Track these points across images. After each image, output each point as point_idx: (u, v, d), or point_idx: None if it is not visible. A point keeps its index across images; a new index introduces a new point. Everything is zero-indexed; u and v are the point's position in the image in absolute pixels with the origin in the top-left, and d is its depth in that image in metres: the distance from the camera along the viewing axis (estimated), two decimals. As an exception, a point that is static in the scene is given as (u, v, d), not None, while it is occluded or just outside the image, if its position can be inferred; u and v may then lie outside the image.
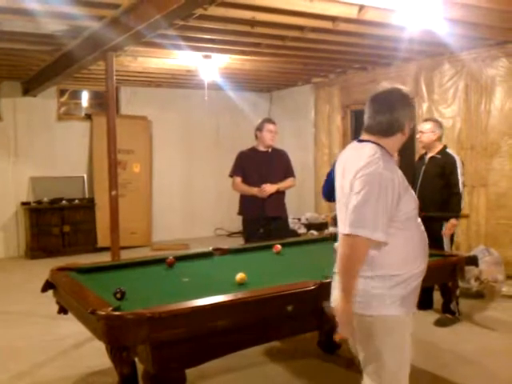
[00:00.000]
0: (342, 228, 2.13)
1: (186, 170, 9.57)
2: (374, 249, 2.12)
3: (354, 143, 2.30)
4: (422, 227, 2.31)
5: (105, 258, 5.50)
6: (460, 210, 4.70)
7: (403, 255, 2.17)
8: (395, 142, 2.21)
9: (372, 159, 2.08)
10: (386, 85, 2.21)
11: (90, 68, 6.39)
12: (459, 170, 4.68)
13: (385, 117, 2.15)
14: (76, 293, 2.80)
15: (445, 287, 4.66)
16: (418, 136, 4.89)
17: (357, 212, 2.03)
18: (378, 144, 2.17)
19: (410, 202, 2.17)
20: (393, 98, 2.17)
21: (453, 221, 4.70)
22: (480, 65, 6.26)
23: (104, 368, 3.69)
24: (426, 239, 2.32)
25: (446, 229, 4.70)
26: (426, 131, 4.81)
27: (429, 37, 5.20)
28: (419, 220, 2.28)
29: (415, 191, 4.88)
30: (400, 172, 2.17)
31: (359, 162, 2.11)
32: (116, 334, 2.25)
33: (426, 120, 4.98)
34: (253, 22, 4.79)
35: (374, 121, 2.18)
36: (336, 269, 2.21)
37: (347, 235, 2.05)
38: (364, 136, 2.24)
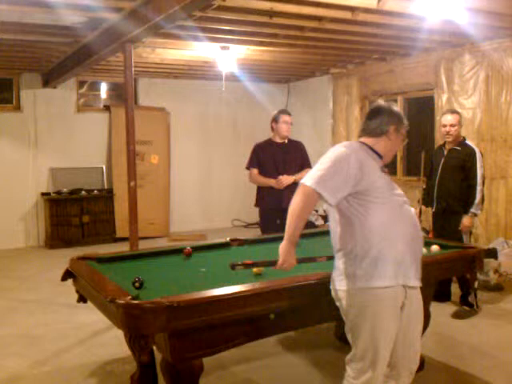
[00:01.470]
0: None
1: (204, 162, 9.60)
2: (343, 226, 2.48)
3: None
4: (408, 211, 2.56)
5: (123, 248, 5.57)
6: (476, 203, 4.62)
7: (371, 232, 2.42)
8: (381, 143, 2.60)
9: (347, 144, 2.59)
10: (379, 100, 2.72)
11: (108, 60, 6.43)
12: (478, 163, 4.63)
13: (372, 122, 2.62)
14: (95, 282, 2.83)
15: (463, 279, 4.64)
16: (445, 130, 4.78)
17: (314, 171, 2.44)
18: (364, 143, 2.61)
19: (372, 184, 2.44)
20: (381, 109, 2.64)
21: (465, 220, 4.64)
22: (501, 55, 6.16)
23: (123, 356, 3.75)
24: (412, 222, 2.55)
25: (462, 226, 4.65)
26: (455, 124, 4.74)
27: (449, 27, 5.13)
28: (400, 204, 2.53)
29: (434, 183, 4.86)
30: (369, 160, 2.49)
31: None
32: (135, 323, 2.27)
33: (452, 113, 4.85)
34: (271, 13, 4.77)
35: (365, 126, 2.66)
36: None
37: (304, 186, 2.40)
38: (361, 139, 2.66)
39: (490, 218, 6.38)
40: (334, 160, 2.43)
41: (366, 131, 2.64)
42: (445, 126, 4.77)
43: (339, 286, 2.52)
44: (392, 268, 2.42)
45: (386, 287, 2.41)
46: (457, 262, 3.39)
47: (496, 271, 5.36)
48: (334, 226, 2.57)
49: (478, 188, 4.60)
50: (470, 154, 4.67)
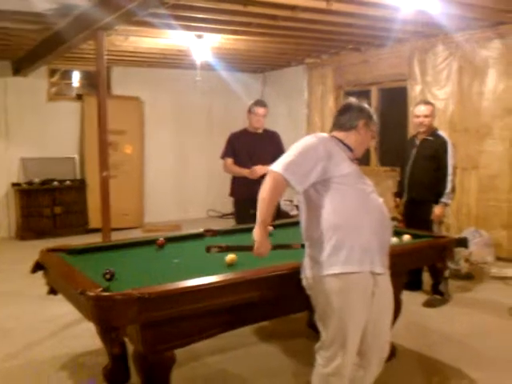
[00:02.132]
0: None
1: (179, 151, 9.54)
2: (310, 214, 2.55)
3: None
4: (376, 200, 2.60)
5: (96, 240, 5.49)
6: (447, 192, 4.67)
7: (337, 219, 2.48)
8: (351, 137, 2.67)
9: (317, 135, 2.65)
10: (351, 99, 2.77)
11: (80, 47, 6.31)
12: (450, 153, 4.67)
13: (342, 117, 2.71)
14: (66, 274, 2.79)
15: (434, 269, 4.70)
16: (418, 120, 4.81)
17: (282, 158, 2.50)
18: (335, 136, 2.68)
19: (339, 171, 2.50)
20: (351, 105, 2.73)
21: (437, 209, 4.69)
22: (473, 46, 6.23)
23: (95, 348, 3.71)
24: (380, 210, 2.59)
25: (434, 216, 4.70)
26: (429, 115, 4.78)
27: (422, 17, 5.16)
28: (367, 193, 2.58)
29: (406, 173, 4.90)
30: (337, 149, 2.57)
31: None
32: (105, 315, 2.25)
33: (426, 103, 4.89)
34: (245, 1, 4.73)
35: (336, 120, 2.74)
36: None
37: (272, 171, 2.47)
38: (333, 132, 2.73)
39: (462, 208, 6.48)
40: (303, 148, 2.51)
41: (336, 126, 2.72)
42: (418, 116, 4.80)
43: (308, 273, 2.56)
44: (358, 254, 2.45)
45: (352, 273, 2.44)
46: (427, 251, 3.43)
47: (467, 260, 5.44)
48: (303, 214, 2.62)
49: (449, 178, 4.65)
50: (442, 144, 4.71)
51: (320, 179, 2.48)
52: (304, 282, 2.61)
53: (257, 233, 2.51)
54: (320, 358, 2.56)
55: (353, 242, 2.45)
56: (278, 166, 2.46)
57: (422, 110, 4.79)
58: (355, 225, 2.48)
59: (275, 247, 2.65)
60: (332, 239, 2.46)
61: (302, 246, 2.74)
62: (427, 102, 4.98)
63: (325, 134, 2.68)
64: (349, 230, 2.47)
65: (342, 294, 2.45)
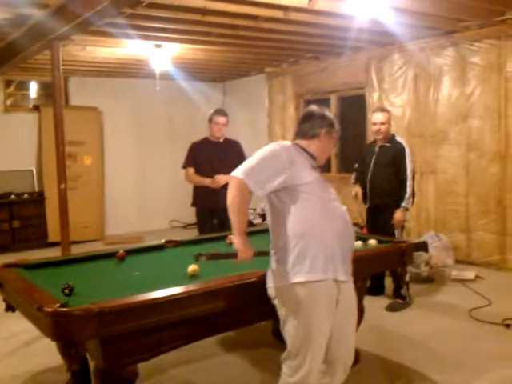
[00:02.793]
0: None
1: (139, 162, 9.43)
2: (274, 221, 2.57)
3: None
4: (338, 207, 2.64)
5: (56, 253, 5.37)
6: (407, 197, 4.74)
7: (300, 227, 2.49)
8: (313, 145, 2.69)
9: (280, 143, 2.67)
10: (313, 106, 2.78)
11: (36, 58, 6.19)
12: (408, 158, 4.76)
13: (305, 125, 2.72)
14: (22, 290, 2.71)
15: (395, 273, 4.76)
16: (375, 128, 4.88)
17: (244, 164, 2.53)
18: (297, 144, 2.70)
19: (301, 179, 2.52)
20: (313, 113, 2.74)
21: (397, 214, 4.76)
22: (428, 54, 6.39)
23: (56, 365, 3.61)
24: (342, 218, 2.62)
25: (395, 221, 4.77)
26: (385, 122, 4.85)
27: (377, 26, 5.26)
28: (329, 200, 2.61)
29: (366, 179, 4.96)
30: (299, 157, 2.59)
31: None
32: (63, 331, 2.19)
33: (382, 111, 4.96)
34: (204, 11, 4.73)
35: (298, 129, 2.75)
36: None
37: (233, 177, 2.50)
38: (296, 140, 2.75)
39: (421, 212, 6.61)
40: (265, 154, 2.53)
41: (299, 134, 2.74)
42: (375, 124, 4.88)
43: (273, 282, 2.55)
44: (322, 263, 2.46)
45: (316, 281, 2.45)
46: (388, 256, 3.48)
47: (427, 264, 5.54)
48: (268, 221, 2.65)
49: (408, 182, 4.73)
50: (400, 150, 4.79)
51: (282, 186, 2.49)
52: (269, 292, 2.60)
53: (237, 241, 2.55)
54: (286, 368, 2.55)
55: (316, 250, 2.46)
56: (238, 172, 2.48)
57: (378, 117, 4.87)
58: (318, 233, 2.49)
59: (258, 253, 2.67)
60: (296, 248, 2.46)
61: None
62: (383, 109, 5.06)
63: (288, 143, 2.70)
64: (312, 238, 2.47)
65: (306, 302, 2.45)
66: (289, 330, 2.53)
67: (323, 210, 2.55)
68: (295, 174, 2.50)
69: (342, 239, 2.56)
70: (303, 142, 2.70)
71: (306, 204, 2.51)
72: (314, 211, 2.51)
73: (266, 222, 7.65)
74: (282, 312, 2.55)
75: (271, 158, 2.51)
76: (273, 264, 2.57)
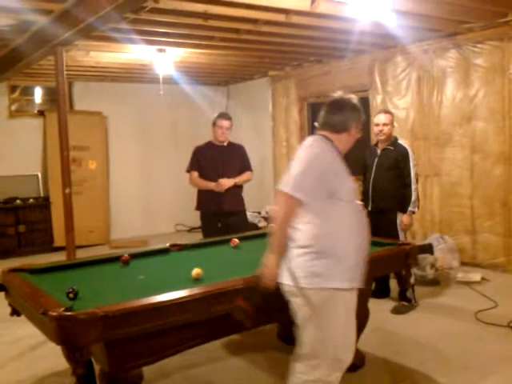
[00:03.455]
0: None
1: (144, 166, 9.46)
2: (309, 225, 2.45)
3: (308, 138, 2.69)
4: (363, 215, 2.66)
5: (61, 258, 5.40)
6: (413, 201, 4.74)
7: (337, 233, 2.46)
8: (342, 139, 2.61)
9: (315, 144, 2.56)
10: (340, 92, 2.68)
11: (41, 63, 6.22)
12: (411, 162, 4.75)
13: (336, 117, 2.59)
14: (27, 294, 2.73)
15: (400, 275, 4.75)
16: (378, 129, 4.88)
17: (289, 176, 2.46)
18: (326, 137, 2.59)
19: (342, 186, 2.50)
20: (344, 104, 2.63)
21: (405, 218, 4.76)
22: (431, 56, 6.38)
23: (61, 369, 3.63)
24: (366, 227, 2.63)
25: (403, 225, 4.77)
26: (388, 123, 4.85)
27: (379, 29, 5.25)
28: (359, 207, 2.62)
29: (369, 182, 4.96)
30: (337, 160, 2.55)
31: (302, 146, 2.60)
32: (68, 335, 2.21)
33: (385, 112, 4.96)
34: (206, 15, 4.75)
35: (327, 119, 2.61)
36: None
37: (282, 193, 2.43)
38: (318, 132, 2.65)
39: (426, 215, 6.59)
40: (307, 163, 2.46)
41: (327, 126, 2.62)
42: (378, 125, 4.88)
43: (293, 281, 2.49)
44: (351, 271, 2.47)
45: (347, 289, 2.46)
46: (392, 258, 3.48)
47: (432, 266, 5.53)
48: (300, 222, 2.52)
49: (413, 187, 4.73)
50: (403, 153, 4.78)
51: (325, 193, 2.46)
52: (286, 289, 2.55)
53: (271, 262, 2.49)
54: (302, 367, 2.54)
55: (348, 257, 2.47)
56: (286, 186, 2.43)
57: (381, 118, 4.87)
58: (352, 240, 2.49)
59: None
60: (328, 253, 2.44)
61: None
62: (386, 111, 5.06)
63: (320, 140, 2.59)
64: (346, 245, 2.47)
65: (333, 307, 2.46)
66: (309, 330, 2.51)
67: (356, 217, 2.55)
68: (337, 181, 2.48)
69: (364, 248, 2.58)
70: (332, 136, 2.59)
71: (344, 210, 2.49)
72: (349, 218, 2.50)
73: (270, 225, 7.61)
74: (302, 311, 2.51)
75: (314, 165, 2.46)
76: (295, 261, 2.50)
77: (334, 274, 2.43)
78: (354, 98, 2.66)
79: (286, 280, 2.54)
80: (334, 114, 2.60)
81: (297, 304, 2.53)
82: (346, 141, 2.63)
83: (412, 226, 4.90)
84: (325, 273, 2.43)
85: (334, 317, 2.47)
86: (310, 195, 2.41)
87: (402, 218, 4.76)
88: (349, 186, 2.53)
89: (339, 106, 2.62)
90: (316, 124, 2.69)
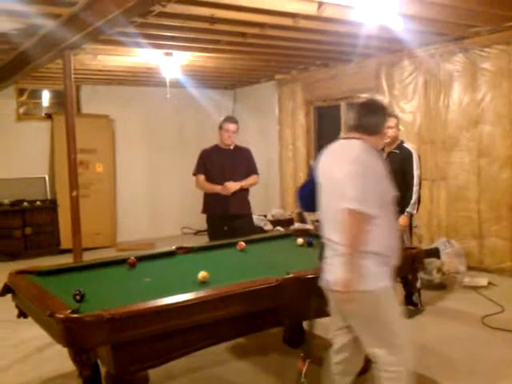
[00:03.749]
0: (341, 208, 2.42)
1: (150, 169, 9.49)
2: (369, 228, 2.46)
3: (340, 141, 2.71)
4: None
5: (68, 260, 5.40)
6: (412, 203, 4.71)
7: (387, 235, 2.53)
8: (375, 141, 2.63)
9: (362, 150, 2.52)
10: (366, 95, 2.72)
11: (48, 67, 6.26)
12: (415, 164, 4.74)
13: (370, 119, 2.60)
14: (34, 296, 2.75)
15: (406, 280, 4.73)
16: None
17: (352, 191, 2.40)
18: (365, 141, 2.58)
19: (389, 189, 2.56)
20: (376, 105, 2.68)
21: (401, 219, 4.73)
22: (438, 60, 6.37)
23: (67, 371, 3.63)
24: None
25: (399, 226, 4.74)
26: (393, 126, 4.85)
27: (386, 33, 5.26)
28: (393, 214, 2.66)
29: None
30: (382, 164, 2.58)
31: (351, 153, 2.53)
32: (74, 337, 2.22)
33: (389, 115, 4.98)
34: (212, 19, 4.77)
35: (361, 121, 2.61)
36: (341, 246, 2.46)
37: (350, 210, 2.37)
38: (350, 134, 2.64)
39: (432, 219, 6.57)
40: (364, 175, 2.44)
41: (359, 127, 2.61)
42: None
43: (356, 286, 2.46)
44: (392, 271, 2.60)
45: (390, 286, 2.59)
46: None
47: (439, 270, 5.51)
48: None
49: (414, 188, 4.71)
50: (407, 156, 4.77)
51: (380, 200, 2.49)
52: (342, 296, 2.50)
53: (350, 281, 2.42)
54: (387, 373, 2.59)
55: (393, 258, 2.58)
56: (353, 203, 2.38)
57: (389, 122, 4.86)
58: (394, 243, 2.60)
59: None
60: (384, 254, 2.51)
61: None
62: (391, 114, 5.07)
63: (365, 146, 2.54)
64: (391, 248, 2.56)
65: (393, 302, 2.60)
66: (379, 332, 2.58)
67: (394, 219, 2.66)
68: (385, 185, 2.54)
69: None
70: (367, 138, 2.58)
71: (390, 213, 2.58)
72: (392, 220, 2.61)
73: (276, 228, 7.56)
74: (368, 315, 2.56)
75: (371, 174, 2.46)
76: (360, 268, 2.48)
77: (387, 273, 2.53)
78: (382, 99, 2.71)
79: (338, 286, 2.51)
80: (367, 116, 2.61)
81: (361, 306, 2.52)
82: (377, 143, 2.66)
83: (414, 227, 4.88)
84: (382, 273, 2.51)
85: (393, 309, 2.60)
86: (372, 206, 2.41)
87: (398, 219, 4.74)
88: (390, 188, 2.58)
89: (373, 107, 2.65)
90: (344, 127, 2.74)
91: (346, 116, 2.62)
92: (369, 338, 2.62)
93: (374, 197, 2.43)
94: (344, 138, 2.72)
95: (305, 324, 3.42)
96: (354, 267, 2.41)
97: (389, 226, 2.56)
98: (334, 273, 2.53)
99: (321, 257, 2.70)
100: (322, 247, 2.73)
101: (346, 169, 2.48)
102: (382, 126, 2.63)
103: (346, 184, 2.43)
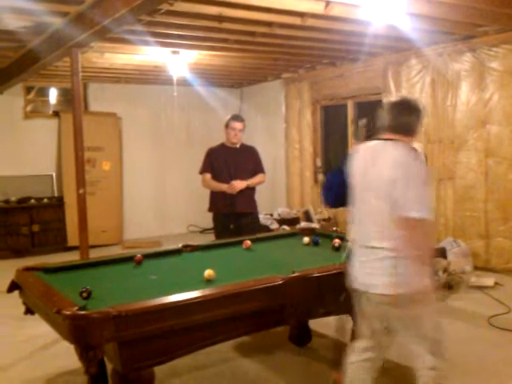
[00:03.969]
0: (399, 214, 2.37)
1: (157, 167, 9.51)
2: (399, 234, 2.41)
3: (377, 142, 2.59)
4: None
5: (75, 258, 5.45)
6: None
7: (429, 233, 2.50)
8: (409, 142, 2.55)
9: (410, 154, 2.44)
10: (398, 94, 2.67)
11: (56, 64, 6.28)
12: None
13: (406, 118, 2.52)
14: (41, 293, 2.76)
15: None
16: None
17: (418, 199, 2.35)
18: (407, 143, 2.51)
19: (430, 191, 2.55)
20: (411, 104, 2.55)
21: None
22: (446, 59, 6.35)
23: (74, 368, 3.65)
24: None
25: None
26: None
27: (394, 32, 5.24)
28: None
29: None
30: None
31: (398, 157, 2.44)
32: (81, 334, 2.23)
33: None
34: (220, 18, 4.77)
35: (397, 121, 2.52)
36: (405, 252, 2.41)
37: (423, 220, 2.34)
38: (386, 135, 2.55)
39: (439, 219, 6.55)
40: (424, 181, 2.42)
41: (396, 128, 2.54)
42: None
43: (395, 289, 2.46)
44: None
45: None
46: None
47: (445, 270, 5.49)
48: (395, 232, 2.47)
49: None
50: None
51: None
52: (387, 300, 2.50)
53: (431, 286, 2.50)
54: (429, 369, 2.62)
55: (432, 256, 2.60)
56: (424, 213, 2.36)
57: None
58: (434, 241, 2.72)
59: None
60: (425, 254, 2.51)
61: None
62: None
63: (412, 149, 2.50)
64: (432, 246, 2.65)
65: (432, 300, 2.58)
66: (423, 333, 2.58)
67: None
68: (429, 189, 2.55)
69: None
70: (404, 139, 2.53)
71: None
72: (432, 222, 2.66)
73: (282, 227, 7.53)
74: (413, 318, 2.55)
75: (427, 181, 2.45)
76: (405, 269, 2.44)
77: (429, 271, 2.51)
78: (416, 99, 2.64)
79: (394, 290, 2.48)
80: (402, 116, 2.53)
81: (409, 306, 2.51)
82: (408, 143, 2.55)
83: None
84: (425, 271, 2.48)
85: (433, 307, 2.59)
86: (428, 210, 2.40)
87: None
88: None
89: (410, 107, 2.55)
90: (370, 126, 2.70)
91: (380, 115, 2.44)
92: (411, 335, 2.62)
93: (427, 201, 2.42)
94: (381, 139, 2.59)
95: (335, 333, 3.42)
96: (426, 272, 2.44)
97: (429, 224, 2.53)
98: (376, 277, 2.50)
99: (348, 259, 2.69)
100: (349, 250, 2.70)
101: (398, 173, 2.40)
102: (417, 126, 2.55)
103: (401, 190, 2.37)
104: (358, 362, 2.73)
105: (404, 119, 2.53)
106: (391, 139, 2.52)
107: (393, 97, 2.70)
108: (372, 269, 2.52)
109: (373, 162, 2.54)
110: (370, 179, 2.53)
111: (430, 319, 2.61)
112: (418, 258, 2.41)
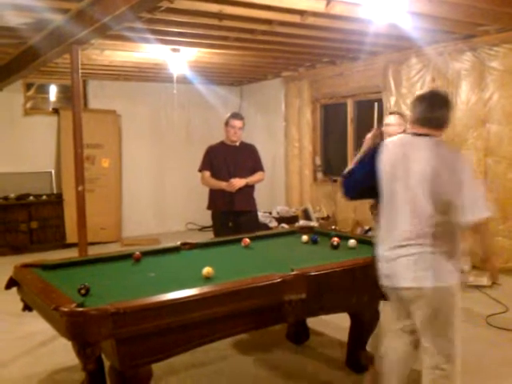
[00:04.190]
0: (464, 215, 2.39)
1: (156, 165, 9.51)
2: (447, 226, 2.45)
3: (409, 136, 2.58)
4: None
5: (73, 254, 5.42)
6: None
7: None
8: (441, 136, 2.51)
9: (456, 152, 2.50)
10: (438, 89, 2.62)
11: (56, 61, 6.28)
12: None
13: (441, 111, 2.48)
14: (39, 289, 2.76)
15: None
16: (383, 128, 4.90)
17: (479, 198, 2.38)
18: (438, 138, 2.50)
19: None
20: (443, 97, 2.53)
21: None
22: (446, 59, 6.34)
23: (71, 365, 3.65)
24: None
25: None
26: (392, 124, 4.85)
27: (395, 31, 5.24)
28: None
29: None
30: None
31: (446, 155, 2.43)
32: (79, 331, 2.23)
33: (392, 113, 4.99)
34: (220, 16, 4.77)
35: (432, 114, 2.47)
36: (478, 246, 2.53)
37: (486, 219, 2.38)
38: (420, 129, 2.51)
39: (438, 218, 6.54)
40: (474, 176, 2.48)
41: (430, 121, 2.50)
42: (388, 125, 4.87)
43: (435, 281, 2.50)
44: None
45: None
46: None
47: (444, 269, 5.48)
48: (441, 226, 2.50)
49: None
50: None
51: None
52: (428, 293, 2.53)
53: (495, 258, 2.64)
54: (442, 372, 2.60)
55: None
56: (486, 211, 2.39)
57: (392, 119, 4.87)
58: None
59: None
60: (458, 250, 2.56)
61: None
62: (392, 112, 5.09)
63: (454, 147, 2.58)
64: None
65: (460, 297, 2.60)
66: (452, 332, 2.58)
67: None
68: None
69: None
70: (436, 133, 2.49)
71: None
72: None
73: (281, 225, 7.50)
74: (448, 307, 2.56)
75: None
76: (444, 264, 2.51)
77: (461, 268, 2.58)
78: (447, 93, 2.68)
79: (432, 283, 2.52)
80: (434, 110, 2.48)
81: (445, 301, 2.54)
82: (441, 138, 2.54)
83: None
84: (456, 269, 2.54)
85: (459, 304, 2.60)
86: None
87: None
88: None
89: (442, 100, 2.52)
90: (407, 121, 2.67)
91: (412, 109, 2.55)
92: (435, 334, 2.60)
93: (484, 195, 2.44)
94: (413, 134, 2.56)
95: (369, 346, 3.45)
96: (458, 268, 2.54)
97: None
98: (411, 272, 2.52)
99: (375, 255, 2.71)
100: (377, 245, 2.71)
101: (447, 173, 2.39)
102: (448, 119, 2.51)
103: (468, 189, 2.37)
104: (399, 346, 2.76)
105: (437, 113, 2.48)
106: (426, 134, 2.48)
107: (422, 90, 2.74)
108: (416, 265, 2.52)
109: (408, 157, 2.49)
110: (405, 174, 2.49)
111: (459, 325, 2.60)
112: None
